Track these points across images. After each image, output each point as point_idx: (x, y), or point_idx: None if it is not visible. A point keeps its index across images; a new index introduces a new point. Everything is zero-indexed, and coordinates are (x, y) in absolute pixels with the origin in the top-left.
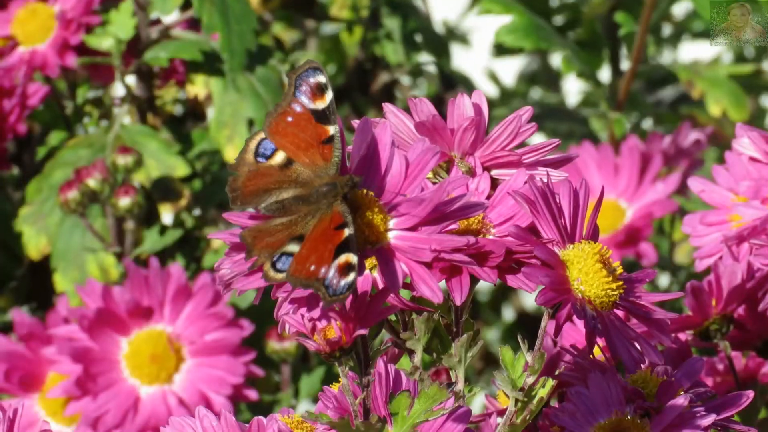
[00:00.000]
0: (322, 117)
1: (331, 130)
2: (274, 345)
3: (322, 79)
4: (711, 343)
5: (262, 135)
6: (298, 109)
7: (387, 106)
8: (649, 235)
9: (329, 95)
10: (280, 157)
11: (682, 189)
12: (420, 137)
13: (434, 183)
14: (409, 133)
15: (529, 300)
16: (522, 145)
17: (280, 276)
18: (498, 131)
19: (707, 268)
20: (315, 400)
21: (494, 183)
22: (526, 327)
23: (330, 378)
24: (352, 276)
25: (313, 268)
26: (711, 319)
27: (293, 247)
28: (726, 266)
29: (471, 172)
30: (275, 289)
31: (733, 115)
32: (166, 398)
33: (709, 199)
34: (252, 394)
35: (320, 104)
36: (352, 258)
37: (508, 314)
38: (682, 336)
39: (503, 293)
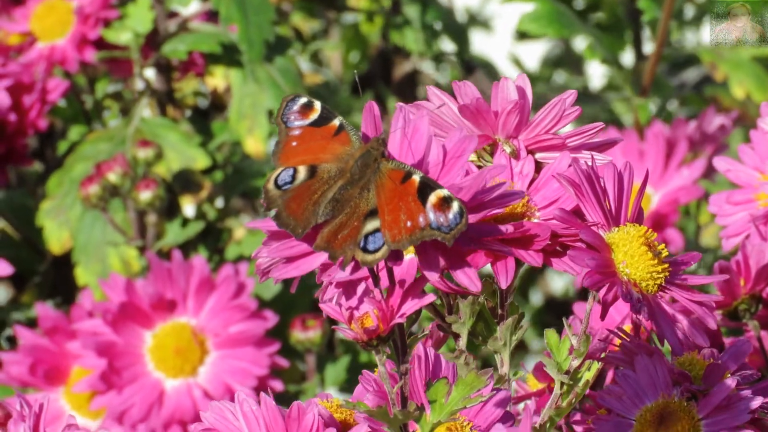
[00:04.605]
0: (321, 121)
1: (336, 122)
2: (298, 335)
3: (304, 99)
4: (740, 323)
5: (276, 172)
6: (297, 132)
7: (431, 89)
8: (675, 221)
9: (318, 104)
10: (303, 171)
11: (708, 174)
12: (463, 120)
13: (478, 166)
14: (453, 117)
15: (557, 284)
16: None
17: (379, 254)
18: (542, 114)
19: (734, 248)
20: (341, 389)
21: (538, 166)
22: (553, 311)
23: (356, 366)
24: (455, 204)
25: (410, 224)
26: (740, 299)
27: (372, 224)
28: (754, 245)
29: (515, 154)
30: (320, 273)
31: (757, 97)
32: (191, 391)
33: (735, 178)
34: (277, 385)
35: (314, 115)
36: (443, 191)
37: (536, 299)
38: None
39: (531, 278)
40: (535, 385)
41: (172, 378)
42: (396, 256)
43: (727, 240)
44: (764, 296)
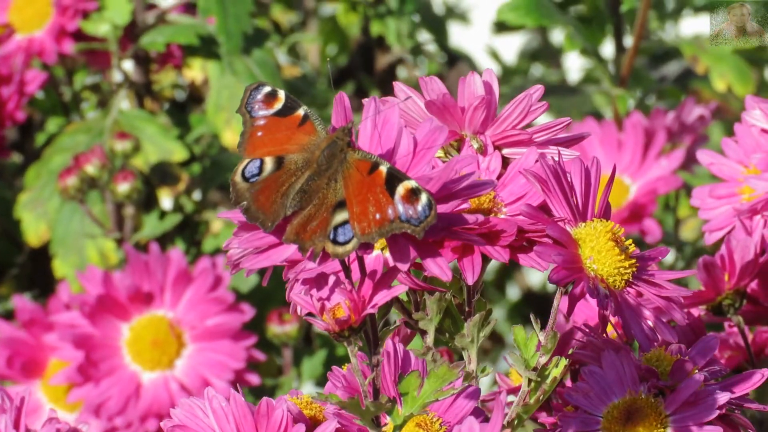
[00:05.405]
0: (286, 110)
1: (300, 111)
2: (275, 328)
3: (268, 88)
4: (724, 318)
5: (243, 163)
6: (262, 122)
7: (398, 85)
8: (653, 211)
9: (282, 93)
10: (270, 163)
11: (687, 165)
12: (430, 116)
13: (444, 161)
14: (420, 112)
15: (534, 278)
16: (530, 125)
17: (350, 246)
18: (509, 110)
19: (715, 242)
20: (318, 382)
21: (505, 162)
22: (531, 305)
23: (332, 360)
24: (424, 196)
25: (379, 216)
26: (724, 294)
27: (341, 216)
28: (738, 240)
29: (482, 150)
30: (286, 269)
31: (738, 90)
32: (167, 384)
33: (719, 171)
34: (254, 379)
35: (278, 105)
36: (410, 183)
37: (513, 293)
38: (695, 311)
39: (507, 272)
40: (518, 379)
41: (149, 371)
42: (366, 246)
43: (710, 234)
44: (748, 291)
